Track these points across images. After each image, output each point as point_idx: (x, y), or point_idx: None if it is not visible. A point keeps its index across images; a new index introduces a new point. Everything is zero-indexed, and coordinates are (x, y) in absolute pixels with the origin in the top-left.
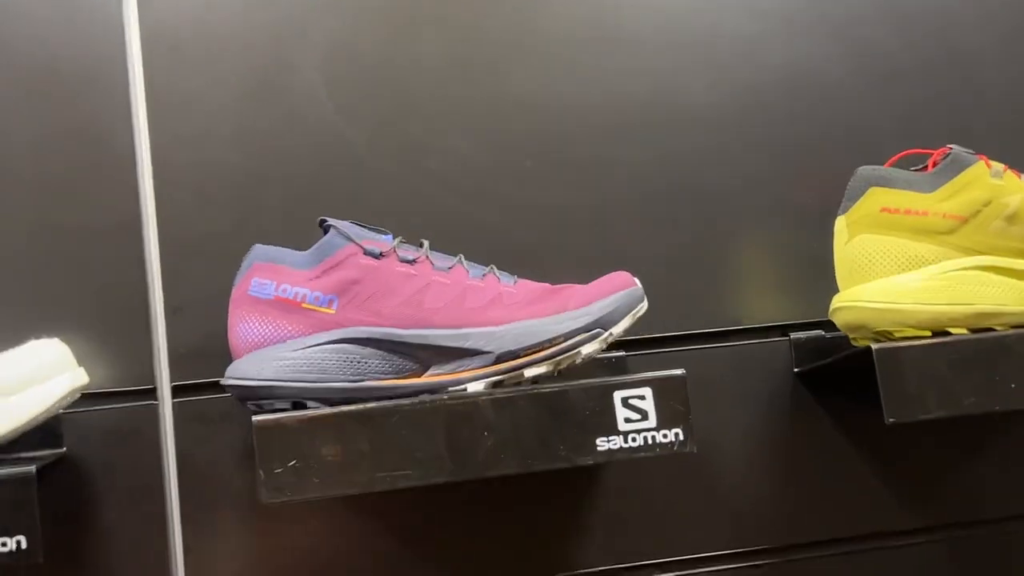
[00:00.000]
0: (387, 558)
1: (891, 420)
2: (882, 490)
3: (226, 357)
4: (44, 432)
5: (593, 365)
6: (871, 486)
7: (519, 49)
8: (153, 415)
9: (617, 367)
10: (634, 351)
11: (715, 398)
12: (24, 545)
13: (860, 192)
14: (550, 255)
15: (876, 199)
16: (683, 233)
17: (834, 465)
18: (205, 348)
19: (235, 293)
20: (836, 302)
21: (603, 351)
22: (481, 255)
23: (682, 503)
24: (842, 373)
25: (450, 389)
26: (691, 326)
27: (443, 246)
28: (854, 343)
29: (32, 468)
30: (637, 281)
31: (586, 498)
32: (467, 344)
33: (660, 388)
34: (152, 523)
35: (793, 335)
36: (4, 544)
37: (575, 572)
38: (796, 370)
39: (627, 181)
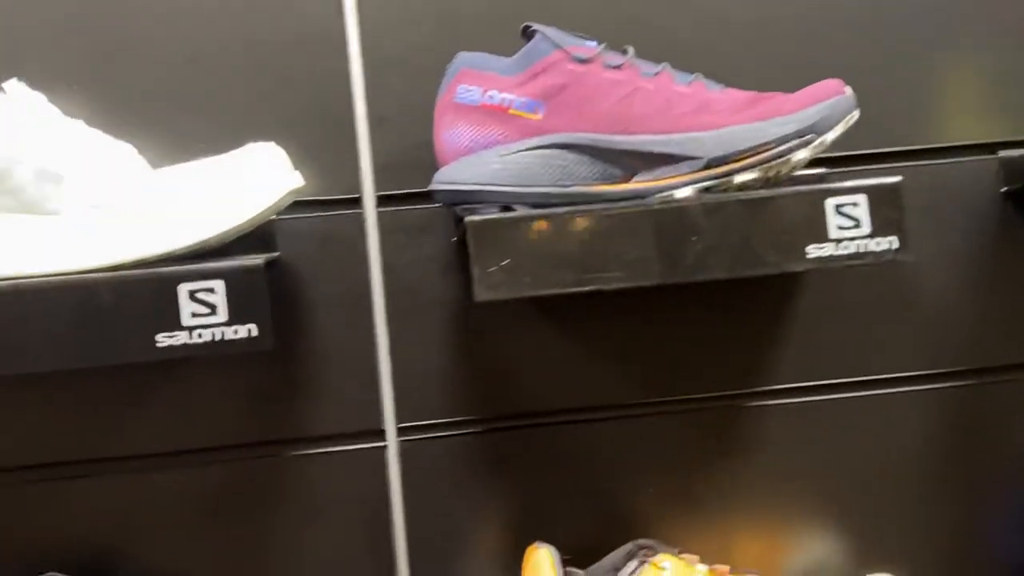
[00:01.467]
0: (577, 360)
1: None
2: None
3: (428, 169)
4: (258, 236)
5: (796, 181)
6: None
7: None
8: (358, 224)
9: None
10: (837, 168)
11: (916, 217)
12: (255, 332)
13: None
14: (754, 66)
15: None
16: (888, 47)
17: None
18: (408, 159)
19: (441, 100)
20: None
21: (806, 166)
22: (683, 66)
23: (879, 323)
24: None
25: (657, 195)
26: (896, 143)
27: (645, 56)
28: None
29: (261, 260)
30: (847, 88)
31: (784, 313)
32: (675, 150)
33: (875, 195)
34: (358, 325)
35: (1002, 153)
36: (236, 332)
37: (765, 388)
38: (1004, 190)
39: None
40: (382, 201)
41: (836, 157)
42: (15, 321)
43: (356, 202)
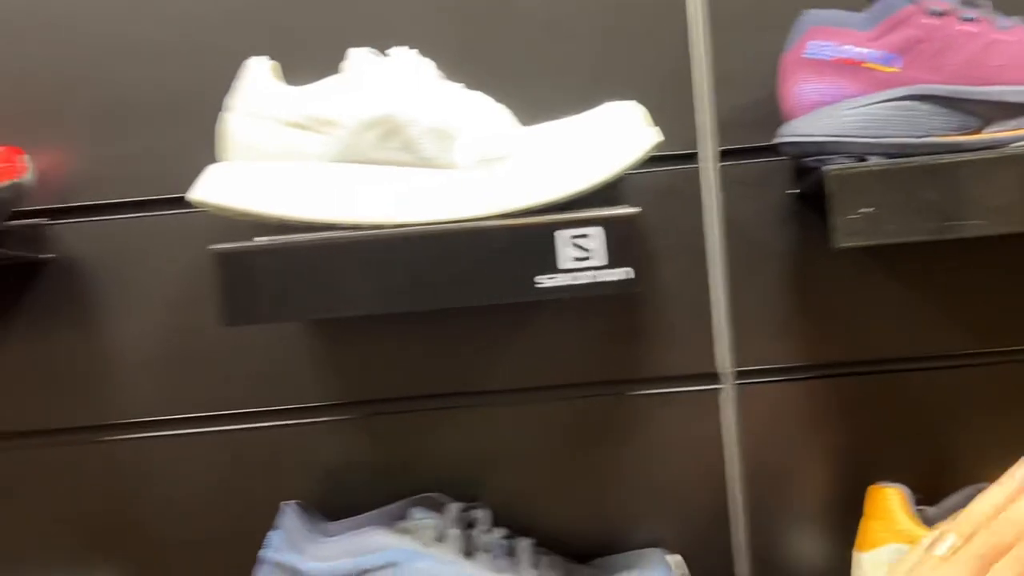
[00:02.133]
0: (915, 308)
1: None
2: None
3: (767, 124)
4: (606, 190)
5: None
6: None
7: None
8: (695, 178)
9: None
10: None
11: None
12: (631, 275)
13: None
14: None
15: None
16: None
17: None
18: (748, 115)
19: (789, 57)
20: None
21: None
22: None
23: None
24: None
25: (1014, 144)
26: None
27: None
28: None
29: (636, 209)
30: None
31: None
32: None
33: None
34: (696, 275)
35: None
36: (612, 274)
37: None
38: None
39: None
40: (723, 156)
41: None
42: (415, 263)
43: (695, 157)
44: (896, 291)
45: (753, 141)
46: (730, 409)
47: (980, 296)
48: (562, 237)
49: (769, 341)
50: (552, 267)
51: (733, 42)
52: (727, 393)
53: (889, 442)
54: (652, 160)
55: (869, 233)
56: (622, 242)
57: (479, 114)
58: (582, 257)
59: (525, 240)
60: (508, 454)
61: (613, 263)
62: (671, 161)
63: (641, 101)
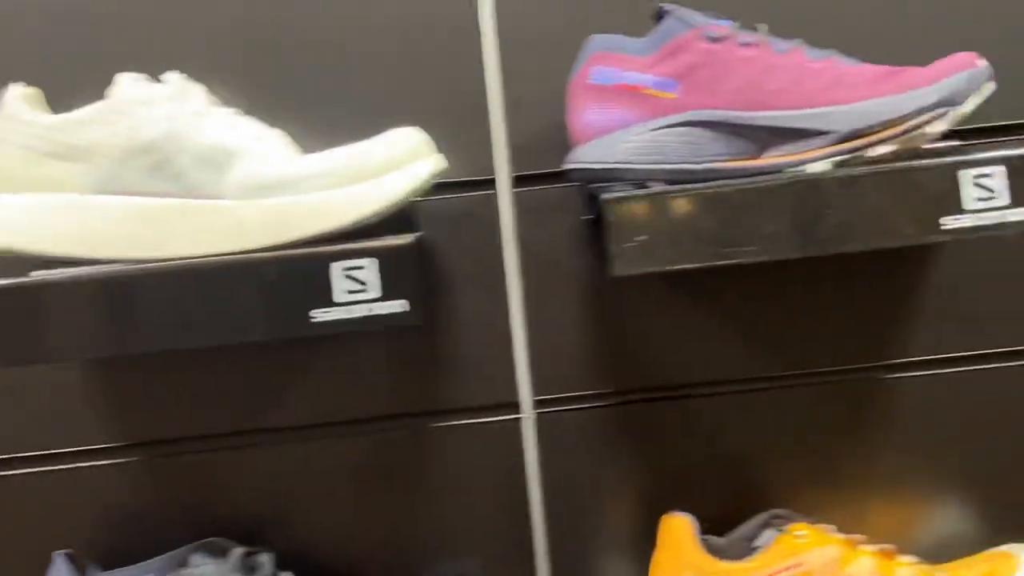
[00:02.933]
0: (711, 333)
1: None
2: None
3: (561, 149)
4: (399, 217)
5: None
6: None
7: None
8: (494, 204)
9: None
10: (972, 140)
11: None
12: (406, 308)
13: None
14: (887, 40)
15: None
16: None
17: None
18: (542, 140)
19: (575, 82)
20: None
21: (939, 138)
22: (817, 44)
23: (1017, 294)
24: None
25: (790, 169)
26: None
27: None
28: None
29: (411, 238)
30: (981, 60)
31: (920, 284)
32: (808, 124)
33: (1013, 165)
34: (494, 302)
35: None
36: (388, 307)
37: (901, 360)
38: None
39: None
40: (517, 182)
41: (972, 129)
42: (184, 299)
43: (491, 183)
44: (691, 317)
45: (548, 167)
46: (531, 438)
47: (773, 321)
48: (336, 269)
49: (569, 368)
50: (327, 300)
51: (527, 67)
52: (528, 422)
53: (687, 469)
54: (451, 186)
55: (645, 261)
56: (397, 273)
57: (253, 142)
58: (356, 290)
59: (298, 273)
60: (298, 494)
61: (388, 295)
62: (469, 187)
63: (437, 127)
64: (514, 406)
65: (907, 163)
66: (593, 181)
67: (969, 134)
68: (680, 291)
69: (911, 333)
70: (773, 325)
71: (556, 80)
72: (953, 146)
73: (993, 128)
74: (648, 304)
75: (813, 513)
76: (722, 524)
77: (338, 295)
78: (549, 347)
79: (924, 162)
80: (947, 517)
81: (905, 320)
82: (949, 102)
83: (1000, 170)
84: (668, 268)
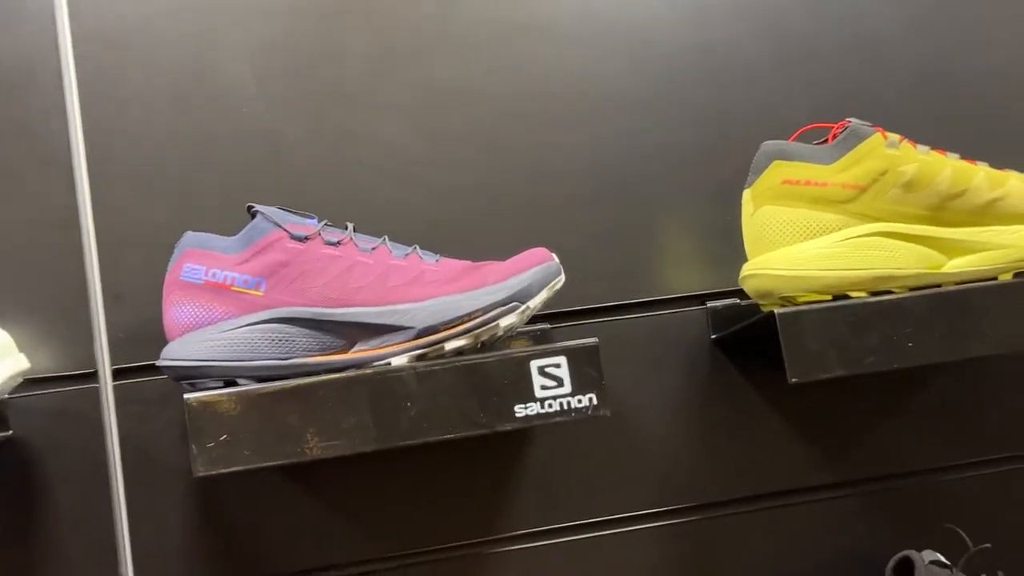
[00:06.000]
0: (318, 518)
1: (793, 380)
2: (796, 448)
3: (163, 340)
4: None
5: (519, 337)
6: (786, 445)
7: (444, 39)
8: (95, 397)
9: (543, 338)
10: (560, 323)
11: (637, 365)
12: None
13: (764, 166)
14: (476, 236)
15: (778, 172)
16: (606, 211)
17: (749, 425)
18: (143, 333)
19: (168, 278)
20: (745, 270)
21: (528, 323)
22: (408, 238)
23: (606, 466)
24: (754, 338)
25: (375, 363)
26: (615, 297)
27: (372, 230)
28: (763, 309)
29: None
30: (554, 256)
31: (514, 464)
32: (389, 320)
33: (574, 356)
34: (98, 501)
35: (710, 303)
36: None
37: (503, 535)
38: (713, 337)
39: (550, 163)
40: (118, 374)
41: (559, 313)
42: None
43: (92, 376)
44: (300, 503)
45: (149, 359)
46: None
47: (381, 503)
48: None
49: (174, 565)
50: None
51: (129, 261)
52: None
53: None
54: (52, 380)
55: (227, 460)
56: None
57: None
58: None
59: None
60: None
61: None
62: (72, 381)
63: (38, 321)
64: None
65: (480, 356)
66: (183, 378)
67: (562, 316)
68: (287, 479)
69: (513, 508)
70: (379, 507)
71: (158, 275)
72: (540, 330)
73: (584, 311)
74: (255, 494)
75: None
76: None
77: None
78: (154, 544)
79: (496, 354)
80: None
81: (506, 496)
82: (520, 297)
83: (564, 360)
84: (251, 467)
